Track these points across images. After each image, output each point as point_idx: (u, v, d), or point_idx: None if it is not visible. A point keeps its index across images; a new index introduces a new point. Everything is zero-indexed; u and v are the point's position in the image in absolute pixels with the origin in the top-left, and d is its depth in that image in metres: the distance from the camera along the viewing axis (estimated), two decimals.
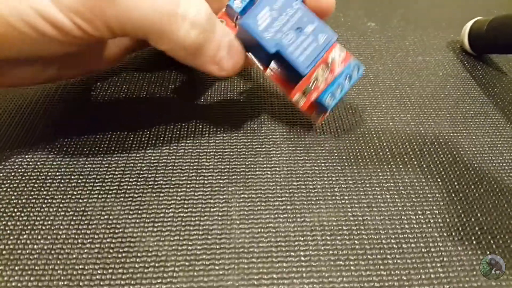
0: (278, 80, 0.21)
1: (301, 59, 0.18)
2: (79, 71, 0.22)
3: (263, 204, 0.19)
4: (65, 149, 0.21)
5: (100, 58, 0.22)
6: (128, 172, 0.20)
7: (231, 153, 0.21)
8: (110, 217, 0.18)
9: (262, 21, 0.18)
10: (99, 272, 0.16)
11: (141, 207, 0.18)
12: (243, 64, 0.20)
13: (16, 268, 0.16)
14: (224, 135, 0.22)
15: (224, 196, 0.19)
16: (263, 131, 0.22)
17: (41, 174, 0.20)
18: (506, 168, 0.21)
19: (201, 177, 0.20)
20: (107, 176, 0.20)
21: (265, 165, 0.20)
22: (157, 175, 0.20)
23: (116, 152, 0.21)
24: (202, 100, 0.24)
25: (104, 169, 0.20)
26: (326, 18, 0.20)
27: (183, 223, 0.18)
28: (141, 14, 0.16)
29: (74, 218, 0.18)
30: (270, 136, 0.22)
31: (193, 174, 0.20)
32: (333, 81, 0.20)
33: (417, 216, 0.18)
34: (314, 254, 0.17)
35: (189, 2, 0.17)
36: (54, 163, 0.20)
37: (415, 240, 0.17)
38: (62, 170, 0.20)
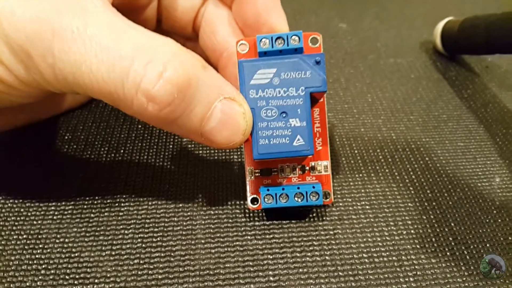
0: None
1: (261, 143, 0.16)
2: (56, 111, 0.22)
3: (230, 220, 0.18)
4: (18, 166, 0.20)
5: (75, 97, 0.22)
6: (84, 189, 0.19)
7: (196, 166, 0.20)
8: (66, 240, 0.17)
9: (260, 76, 0.16)
10: None
11: (98, 228, 0.17)
12: (246, 134, 0.15)
13: None
14: (189, 146, 0.21)
15: (189, 213, 0.18)
16: None
17: None
18: (480, 173, 0.20)
19: (164, 193, 0.19)
20: (62, 195, 0.18)
21: (233, 179, 0.20)
22: (115, 192, 0.19)
23: (71, 168, 0.20)
24: None
25: (59, 186, 0.19)
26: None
27: (143, 245, 0.17)
28: (77, 72, 0.13)
29: (28, 242, 0.17)
30: (238, 147, 0.21)
31: (155, 189, 0.19)
32: (286, 185, 0.18)
33: (389, 228, 0.18)
34: (283, 273, 0.16)
35: (148, 61, 0.13)
36: (7, 181, 0.19)
37: (387, 253, 0.17)
38: (16, 189, 0.19)
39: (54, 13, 0.13)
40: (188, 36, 0.21)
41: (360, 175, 0.20)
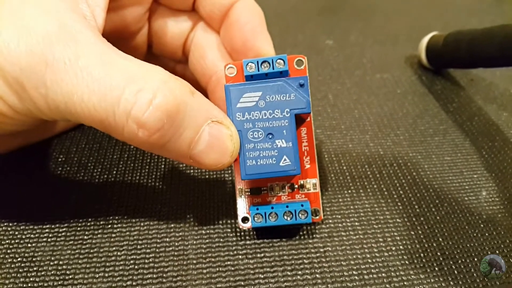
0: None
1: (249, 163, 0.16)
2: (48, 134, 0.22)
3: (221, 240, 0.18)
4: (12, 188, 0.20)
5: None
6: (78, 211, 0.19)
7: (188, 185, 0.20)
8: (60, 262, 0.17)
9: (246, 100, 0.16)
10: None
11: (91, 250, 0.17)
12: (234, 156, 0.16)
13: None
14: (181, 165, 0.21)
15: (180, 234, 0.18)
16: None
17: None
18: (467, 187, 0.21)
19: (156, 213, 0.19)
20: (56, 217, 0.19)
21: (224, 198, 0.20)
22: (108, 213, 0.19)
23: (64, 190, 0.20)
24: None
25: (53, 208, 0.19)
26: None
27: (136, 266, 0.17)
28: (69, 102, 0.14)
29: (22, 265, 0.17)
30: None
31: (147, 210, 0.19)
32: (275, 204, 0.18)
33: (378, 244, 0.18)
34: None
35: (138, 89, 0.14)
36: (1, 204, 0.19)
37: (377, 270, 0.17)
38: (9, 211, 0.19)
39: (47, 45, 0.14)
40: (178, 60, 0.21)
41: (349, 191, 0.20)
